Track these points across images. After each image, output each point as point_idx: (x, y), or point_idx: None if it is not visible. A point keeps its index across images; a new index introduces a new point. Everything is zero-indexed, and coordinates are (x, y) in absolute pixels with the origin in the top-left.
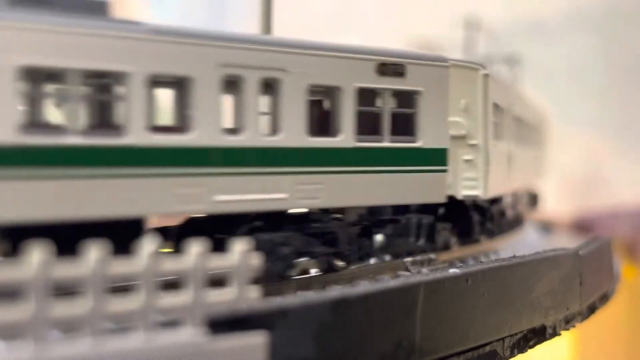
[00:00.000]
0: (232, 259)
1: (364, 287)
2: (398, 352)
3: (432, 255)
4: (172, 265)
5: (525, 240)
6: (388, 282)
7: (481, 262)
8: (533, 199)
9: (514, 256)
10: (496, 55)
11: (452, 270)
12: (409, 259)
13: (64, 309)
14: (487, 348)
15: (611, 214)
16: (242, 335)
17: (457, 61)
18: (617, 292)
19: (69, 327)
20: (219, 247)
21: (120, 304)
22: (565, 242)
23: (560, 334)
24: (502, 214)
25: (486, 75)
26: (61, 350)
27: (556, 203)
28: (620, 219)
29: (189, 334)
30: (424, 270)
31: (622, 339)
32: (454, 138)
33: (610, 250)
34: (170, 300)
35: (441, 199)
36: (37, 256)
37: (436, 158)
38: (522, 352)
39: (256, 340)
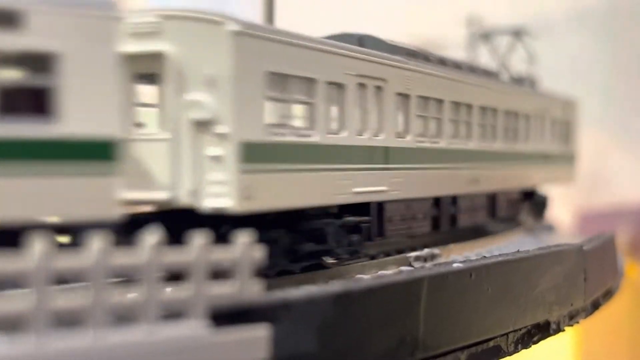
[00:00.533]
0: (235, 252)
1: (367, 281)
2: (401, 346)
3: (436, 250)
4: (175, 257)
5: (528, 238)
6: (391, 276)
7: (485, 257)
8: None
9: (518, 251)
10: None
11: (455, 265)
12: (412, 254)
13: (65, 301)
14: (491, 343)
15: (615, 212)
16: (245, 328)
17: (181, 11)
18: (620, 288)
19: (71, 320)
20: None
21: (123, 296)
22: (569, 239)
23: (564, 330)
24: (356, 230)
25: (239, 33)
26: (62, 343)
27: (560, 201)
28: (625, 217)
29: (192, 327)
30: (427, 265)
31: (625, 335)
32: (199, 124)
33: (614, 246)
34: (173, 292)
35: (104, 212)
36: (38, 247)
37: (90, 154)
38: (526, 348)
39: (259, 333)
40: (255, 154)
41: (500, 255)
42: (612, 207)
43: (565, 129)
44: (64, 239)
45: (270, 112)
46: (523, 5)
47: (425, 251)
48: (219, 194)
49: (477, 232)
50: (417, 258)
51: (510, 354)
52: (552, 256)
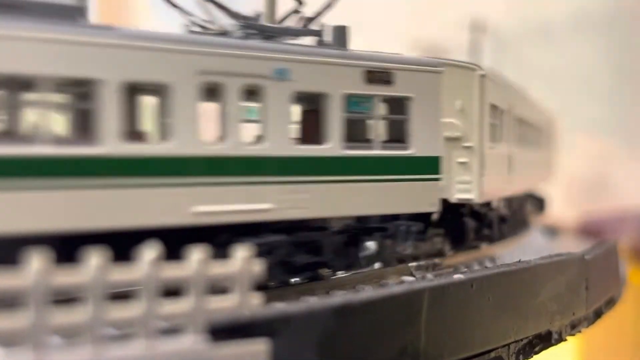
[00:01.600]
0: (233, 266)
1: (367, 293)
2: (403, 358)
3: (437, 260)
4: (173, 272)
5: (531, 244)
6: (392, 287)
7: (486, 267)
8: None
9: (519, 261)
10: None
11: (456, 276)
12: (413, 264)
13: (64, 316)
14: (493, 354)
15: (618, 218)
16: (244, 343)
17: None
18: (623, 296)
19: (70, 334)
20: None
21: (121, 311)
22: (572, 246)
23: (566, 340)
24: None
25: None
26: (61, 358)
27: (562, 206)
28: (627, 223)
29: (191, 341)
30: (429, 275)
31: (628, 344)
32: None
33: (616, 254)
34: (172, 307)
35: None
36: (36, 264)
37: None
38: (527, 358)
39: (258, 347)
40: None
41: (501, 265)
42: (615, 212)
43: (434, 116)
44: None
45: None
46: (526, 10)
47: (427, 261)
48: None
49: None
50: (418, 267)
51: None
52: (553, 266)
